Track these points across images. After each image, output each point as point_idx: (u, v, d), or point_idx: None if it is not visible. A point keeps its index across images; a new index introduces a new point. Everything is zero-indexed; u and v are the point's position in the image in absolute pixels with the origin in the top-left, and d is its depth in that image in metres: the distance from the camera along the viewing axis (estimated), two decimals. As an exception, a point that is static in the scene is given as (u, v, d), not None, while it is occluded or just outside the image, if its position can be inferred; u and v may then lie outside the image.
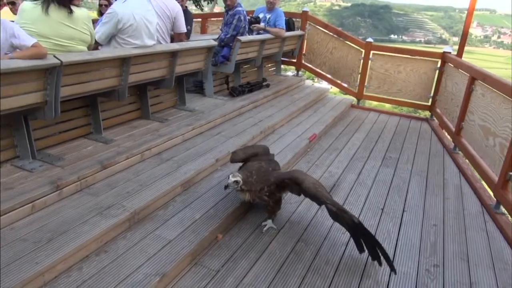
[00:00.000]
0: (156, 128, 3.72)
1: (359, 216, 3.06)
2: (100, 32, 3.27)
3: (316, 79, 14.47)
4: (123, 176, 2.96)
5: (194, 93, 4.98)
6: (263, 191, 2.66)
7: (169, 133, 3.63)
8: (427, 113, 6.29)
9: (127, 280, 2.07)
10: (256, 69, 6.05)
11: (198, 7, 13.08)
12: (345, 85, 6.69)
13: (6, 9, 4.20)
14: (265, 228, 2.78)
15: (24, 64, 2.36)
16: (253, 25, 5.70)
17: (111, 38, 3.35)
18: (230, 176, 2.60)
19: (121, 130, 3.57)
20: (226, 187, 2.59)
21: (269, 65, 6.77)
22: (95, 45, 3.31)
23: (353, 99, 6.54)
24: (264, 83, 5.77)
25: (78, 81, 2.84)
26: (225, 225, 2.74)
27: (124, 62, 3.17)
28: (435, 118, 5.91)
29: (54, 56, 2.54)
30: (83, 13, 2.89)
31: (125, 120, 3.77)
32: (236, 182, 2.58)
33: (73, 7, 2.79)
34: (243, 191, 2.64)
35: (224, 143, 3.77)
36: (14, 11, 3.97)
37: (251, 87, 5.42)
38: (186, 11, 5.05)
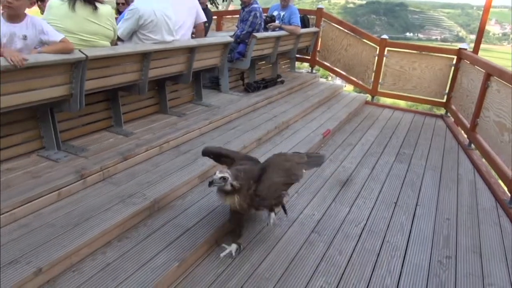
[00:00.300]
0: (174, 122, 3.82)
1: (372, 209, 3.12)
2: (122, 28, 3.38)
3: (330, 78, 14.47)
4: (143, 167, 3.07)
5: (210, 89, 5.08)
6: (251, 190, 2.32)
7: (187, 127, 3.73)
8: (442, 111, 6.26)
9: (148, 264, 2.17)
10: (271, 65, 6.12)
11: (213, 4, 13.20)
12: (360, 82, 6.70)
13: (34, 8, 4.36)
14: (271, 222, 2.63)
15: (52, 58, 2.49)
16: (269, 24, 5.76)
17: (132, 34, 3.46)
18: (217, 172, 2.26)
19: (140, 124, 3.69)
20: (210, 183, 2.24)
21: (284, 61, 6.83)
22: (116, 41, 3.42)
23: (368, 96, 6.56)
24: (279, 80, 5.84)
25: (101, 75, 2.97)
26: (241, 215, 2.82)
27: (144, 57, 3.28)
28: (450, 115, 5.89)
29: (80, 51, 2.66)
30: (107, 10, 3.00)
31: (144, 114, 3.88)
32: (224, 178, 2.23)
33: (97, 4, 2.90)
34: (232, 192, 2.28)
35: (239, 137, 3.86)
36: (43, 7, 4.11)
37: (266, 83, 5.49)
38: (206, 9, 5.17)
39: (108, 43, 3.09)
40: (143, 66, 3.32)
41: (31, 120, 2.88)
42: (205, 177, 3.15)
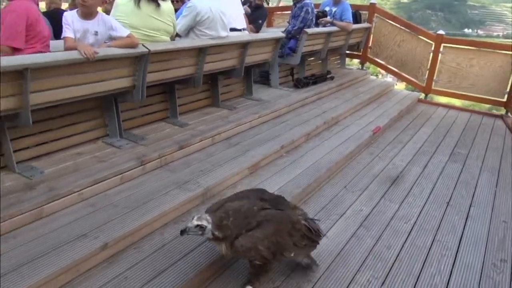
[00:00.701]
0: (225, 115, 3.96)
1: (423, 207, 3.06)
2: (180, 24, 3.56)
3: (380, 76, 14.08)
4: (197, 156, 3.23)
5: (260, 83, 5.17)
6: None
7: (237, 120, 3.85)
8: (502, 110, 5.93)
9: (202, 245, 2.30)
10: (321, 61, 6.11)
11: (264, 1, 13.34)
12: (413, 79, 6.51)
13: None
14: None
15: (119, 52, 2.69)
16: (320, 19, 5.76)
17: (189, 30, 3.63)
18: (195, 218, 1.93)
19: (194, 116, 3.86)
20: (182, 232, 1.93)
21: (334, 58, 6.78)
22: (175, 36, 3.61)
23: (421, 94, 6.36)
24: (329, 76, 5.82)
25: (161, 69, 3.15)
26: (289, 207, 2.88)
27: (200, 51, 3.44)
28: (510, 115, 5.58)
29: (143, 45, 2.85)
30: (168, 7, 3.19)
31: (198, 107, 4.06)
32: (201, 227, 1.90)
33: (160, 1, 3.08)
34: (217, 239, 1.96)
35: (289, 131, 3.92)
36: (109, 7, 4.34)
37: (316, 79, 5.50)
38: (262, 7, 5.29)
39: (168, 38, 3.28)
40: (199, 61, 3.47)
41: (97, 109, 3.13)
42: (254, 168, 3.24)
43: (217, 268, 2.24)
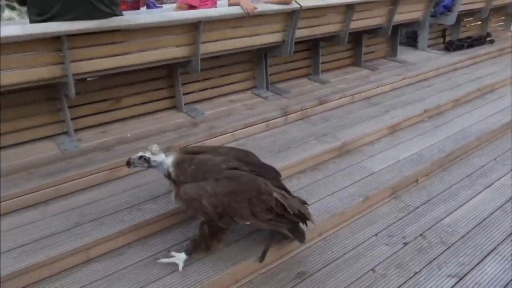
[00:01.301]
0: (366, 75, 3.94)
1: None
2: (330, -20, 3.60)
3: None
4: (336, 112, 3.34)
5: (406, 45, 4.92)
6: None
7: (379, 81, 3.80)
8: None
9: (336, 194, 2.44)
10: (479, 22, 5.45)
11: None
12: None
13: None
14: (160, 260, 1.86)
15: (274, 8, 2.92)
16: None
17: (339, -13, 3.65)
18: (142, 150, 1.81)
19: (335, 74, 3.95)
20: (128, 163, 1.80)
21: (497, 18, 5.94)
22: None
23: None
24: (488, 39, 5.18)
25: (309, 25, 3.29)
26: (428, 171, 2.80)
27: (348, 8, 3.44)
28: None
29: (296, 2, 3.01)
30: (321, -37, 3.25)
31: (339, 66, 4.13)
32: (144, 159, 1.76)
33: (314, -42, 3.17)
34: (169, 178, 1.81)
35: (434, 95, 3.71)
36: None
37: (472, 42, 4.98)
38: None
39: (319, -5, 3.36)
40: (346, 18, 3.49)
41: (249, 63, 3.47)
42: (394, 129, 3.20)
43: (353, 214, 2.36)
